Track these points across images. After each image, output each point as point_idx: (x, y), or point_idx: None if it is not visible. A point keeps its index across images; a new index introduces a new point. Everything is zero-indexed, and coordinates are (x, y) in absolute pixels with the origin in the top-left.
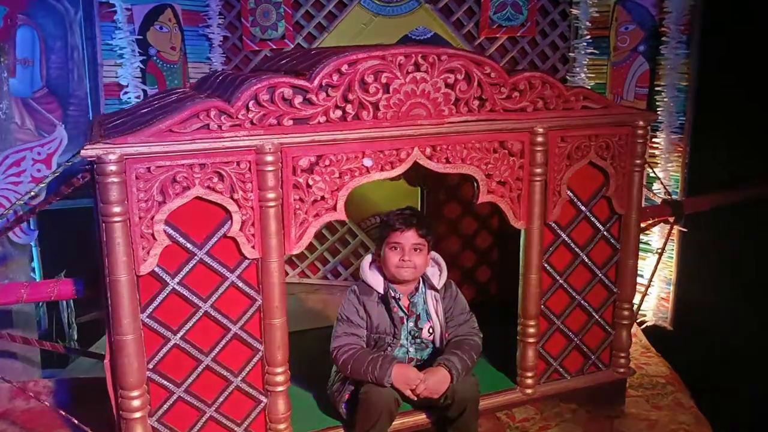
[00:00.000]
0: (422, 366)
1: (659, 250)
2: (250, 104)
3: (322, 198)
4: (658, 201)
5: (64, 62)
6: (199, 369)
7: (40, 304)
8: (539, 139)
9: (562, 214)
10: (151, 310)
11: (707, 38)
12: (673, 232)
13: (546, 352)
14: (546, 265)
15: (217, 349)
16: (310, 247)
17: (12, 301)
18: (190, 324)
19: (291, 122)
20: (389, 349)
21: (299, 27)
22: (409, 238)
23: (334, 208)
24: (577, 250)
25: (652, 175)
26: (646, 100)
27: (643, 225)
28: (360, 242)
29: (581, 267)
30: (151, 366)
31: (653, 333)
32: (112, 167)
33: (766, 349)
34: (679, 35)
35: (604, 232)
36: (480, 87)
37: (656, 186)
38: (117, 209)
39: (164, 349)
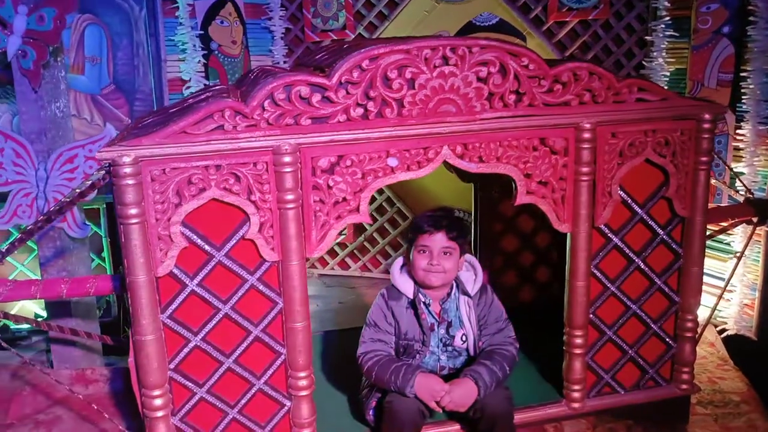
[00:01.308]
0: (455, 375)
1: (738, 254)
2: (266, 104)
3: (344, 200)
4: (741, 199)
5: (129, 59)
6: (221, 370)
7: None
8: (586, 135)
9: (613, 216)
10: (171, 311)
11: None
12: (758, 233)
13: (596, 363)
14: (596, 271)
15: (238, 351)
16: (372, 241)
17: (53, 296)
18: (210, 325)
19: (309, 121)
20: (418, 356)
21: (360, 17)
22: (438, 241)
23: (357, 209)
24: (631, 255)
25: (735, 170)
26: (730, 88)
27: (724, 225)
28: None
29: (637, 274)
30: (172, 366)
31: (735, 343)
32: (127, 169)
33: None
34: None
35: (664, 236)
36: (517, 80)
37: (739, 183)
38: (133, 211)
39: (185, 350)
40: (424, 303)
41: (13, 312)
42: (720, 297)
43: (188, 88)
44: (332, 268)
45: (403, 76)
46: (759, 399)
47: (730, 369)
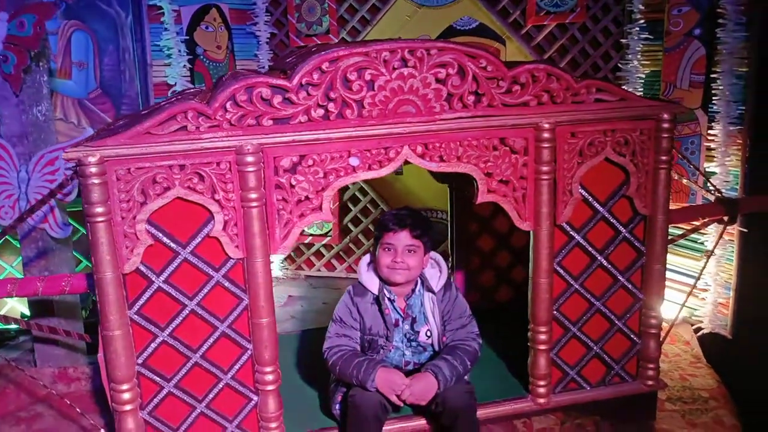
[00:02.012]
0: (420, 370)
1: (708, 252)
2: (228, 105)
3: (307, 198)
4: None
5: (116, 64)
6: (189, 365)
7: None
8: (545, 135)
9: (575, 214)
10: (138, 307)
11: None
12: (731, 232)
13: (562, 359)
14: (559, 268)
15: (205, 347)
16: (357, 243)
17: (30, 294)
18: (177, 321)
19: (271, 122)
20: (382, 351)
21: (343, 21)
22: (402, 239)
23: (320, 208)
24: (594, 253)
25: (708, 170)
26: (702, 89)
27: (696, 224)
28: None
29: (600, 271)
30: (140, 361)
31: (710, 342)
32: (93, 169)
33: None
34: (737, 17)
35: (626, 234)
36: (475, 81)
37: (713, 182)
38: (99, 209)
39: (153, 345)
40: (389, 299)
41: (1, 312)
42: (689, 294)
43: (174, 92)
44: (318, 270)
45: (363, 77)
46: (728, 396)
47: (702, 366)
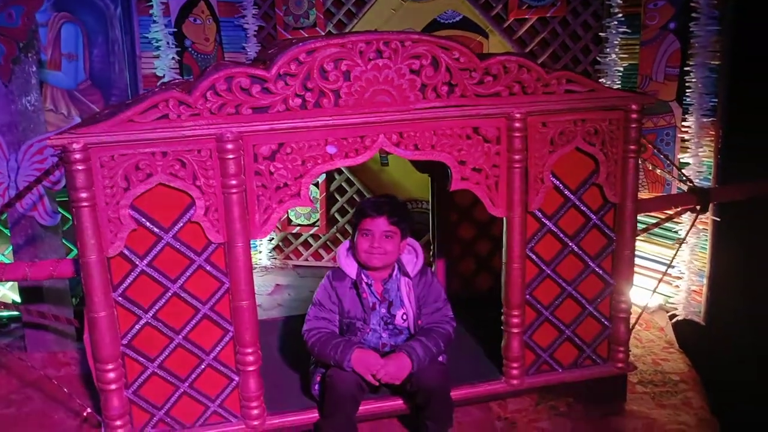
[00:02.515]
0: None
1: (680, 240)
2: (208, 94)
3: (285, 185)
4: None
5: (105, 56)
6: (172, 346)
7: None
8: (517, 124)
9: (546, 202)
10: (122, 289)
11: (741, 13)
12: (705, 221)
13: (534, 342)
14: (531, 254)
15: (188, 328)
16: (345, 233)
17: (18, 278)
18: (160, 303)
19: (250, 111)
20: (359, 333)
21: (330, 15)
22: (380, 224)
23: (298, 194)
24: (565, 239)
25: (683, 161)
26: (677, 81)
27: (670, 213)
28: None
29: (571, 257)
30: (125, 342)
31: (684, 328)
32: (77, 155)
33: None
34: (710, 11)
35: (597, 221)
36: (449, 72)
37: (686, 172)
38: (84, 195)
39: (137, 327)
40: (366, 283)
41: None
42: (659, 281)
43: (162, 83)
44: (306, 260)
45: (339, 68)
46: (698, 379)
47: (674, 352)
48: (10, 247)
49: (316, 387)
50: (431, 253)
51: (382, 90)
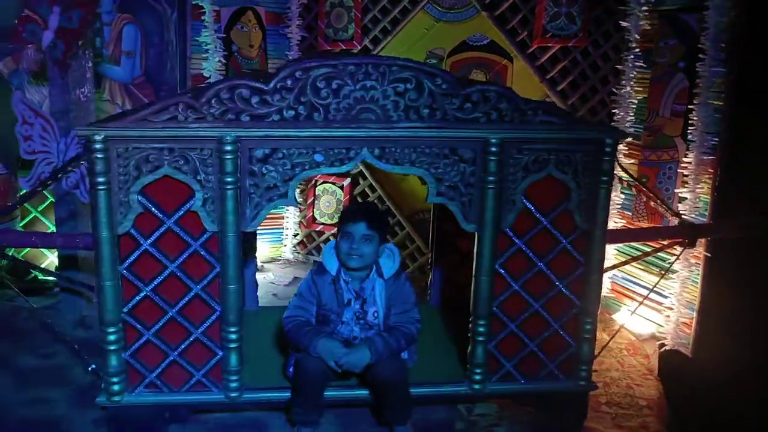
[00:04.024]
0: None
1: (662, 272)
2: (213, 101)
3: (275, 186)
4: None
5: (159, 55)
6: (166, 318)
7: None
8: (493, 149)
9: (518, 222)
10: (128, 264)
11: (747, 56)
12: (698, 256)
13: (499, 352)
14: (500, 269)
15: (181, 304)
16: None
17: (50, 246)
18: (159, 280)
19: (248, 118)
20: (332, 325)
21: (367, 30)
22: (360, 228)
23: (286, 195)
24: (535, 259)
25: (681, 195)
26: (682, 118)
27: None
28: (407, 234)
29: (540, 276)
30: (126, 310)
31: (670, 358)
32: (98, 146)
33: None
34: (716, 53)
35: (567, 245)
36: (431, 96)
37: (681, 206)
38: (101, 179)
39: (138, 298)
40: (344, 280)
41: (43, 266)
42: (639, 304)
43: (208, 83)
44: None
45: (330, 86)
46: (666, 407)
47: (651, 379)
48: (46, 202)
49: (291, 369)
50: (429, 261)
51: (368, 108)
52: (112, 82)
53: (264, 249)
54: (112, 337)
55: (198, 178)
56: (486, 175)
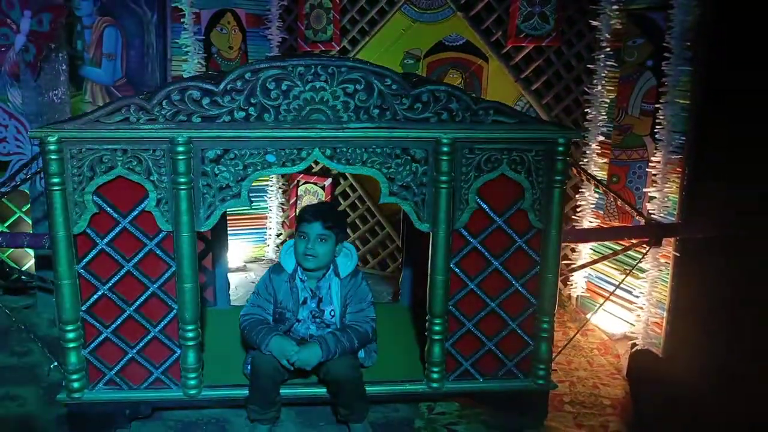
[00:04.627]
0: None
1: (628, 270)
2: (164, 102)
3: (228, 186)
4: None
5: (140, 57)
6: (124, 316)
7: None
8: (444, 149)
9: (472, 221)
10: (85, 263)
11: (713, 55)
12: (667, 255)
13: (456, 351)
14: (456, 268)
15: (138, 302)
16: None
17: (17, 246)
18: (116, 278)
19: (200, 119)
20: (288, 323)
21: (346, 31)
22: (315, 229)
23: (239, 195)
24: (490, 258)
25: (650, 194)
26: (651, 117)
27: (633, 242)
28: (387, 234)
29: (496, 275)
30: (84, 308)
31: (644, 357)
32: (52, 146)
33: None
34: (682, 51)
35: (522, 244)
36: (381, 97)
37: (650, 206)
38: (56, 180)
39: (95, 296)
40: (300, 279)
41: (26, 266)
42: (605, 300)
43: None
44: None
45: (280, 87)
46: (629, 407)
47: (619, 379)
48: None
49: (248, 367)
50: (400, 260)
51: (318, 109)
52: (94, 84)
53: (247, 249)
54: (71, 335)
55: (151, 178)
56: (438, 174)
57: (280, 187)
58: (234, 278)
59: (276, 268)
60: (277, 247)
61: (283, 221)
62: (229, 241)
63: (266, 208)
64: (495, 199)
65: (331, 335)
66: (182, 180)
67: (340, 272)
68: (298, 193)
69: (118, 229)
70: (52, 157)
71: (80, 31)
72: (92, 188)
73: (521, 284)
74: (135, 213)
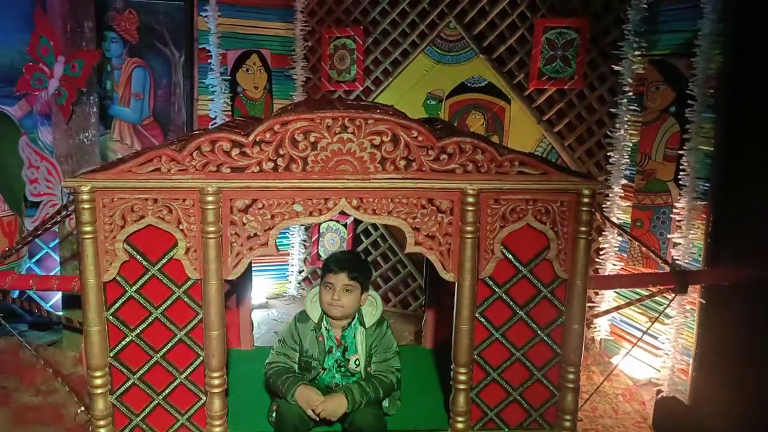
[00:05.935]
0: None
1: (654, 317)
2: (195, 153)
3: (255, 235)
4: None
5: (167, 96)
6: (151, 363)
7: None
8: (470, 199)
9: (497, 271)
10: (114, 309)
11: (736, 104)
12: (693, 302)
13: (482, 400)
14: (481, 317)
15: (165, 349)
16: None
17: (24, 287)
18: (144, 325)
19: (229, 170)
20: (314, 372)
21: (369, 72)
22: (341, 279)
23: (266, 244)
24: (515, 307)
25: (675, 240)
26: (675, 163)
27: (652, 290)
28: (409, 273)
29: (521, 324)
30: (112, 354)
31: (667, 405)
32: (85, 196)
33: None
34: (705, 98)
35: (547, 294)
36: (407, 148)
37: (675, 252)
38: (88, 228)
39: (123, 343)
40: (326, 328)
41: (52, 301)
42: (633, 346)
43: (214, 124)
44: None
45: (308, 139)
46: None
47: (645, 428)
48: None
49: (273, 415)
50: (423, 301)
51: (345, 160)
52: (122, 123)
53: (269, 285)
54: (98, 381)
55: (181, 227)
56: (464, 225)
57: (302, 224)
58: (256, 315)
59: (301, 317)
60: (299, 283)
61: (305, 258)
62: (252, 282)
63: (288, 244)
64: (520, 248)
65: (357, 385)
66: (211, 229)
67: (366, 321)
68: (320, 230)
69: (147, 276)
70: (85, 206)
71: (110, 71)
72: (123, 237)
73: (546, 334)
74: (164, 261)
